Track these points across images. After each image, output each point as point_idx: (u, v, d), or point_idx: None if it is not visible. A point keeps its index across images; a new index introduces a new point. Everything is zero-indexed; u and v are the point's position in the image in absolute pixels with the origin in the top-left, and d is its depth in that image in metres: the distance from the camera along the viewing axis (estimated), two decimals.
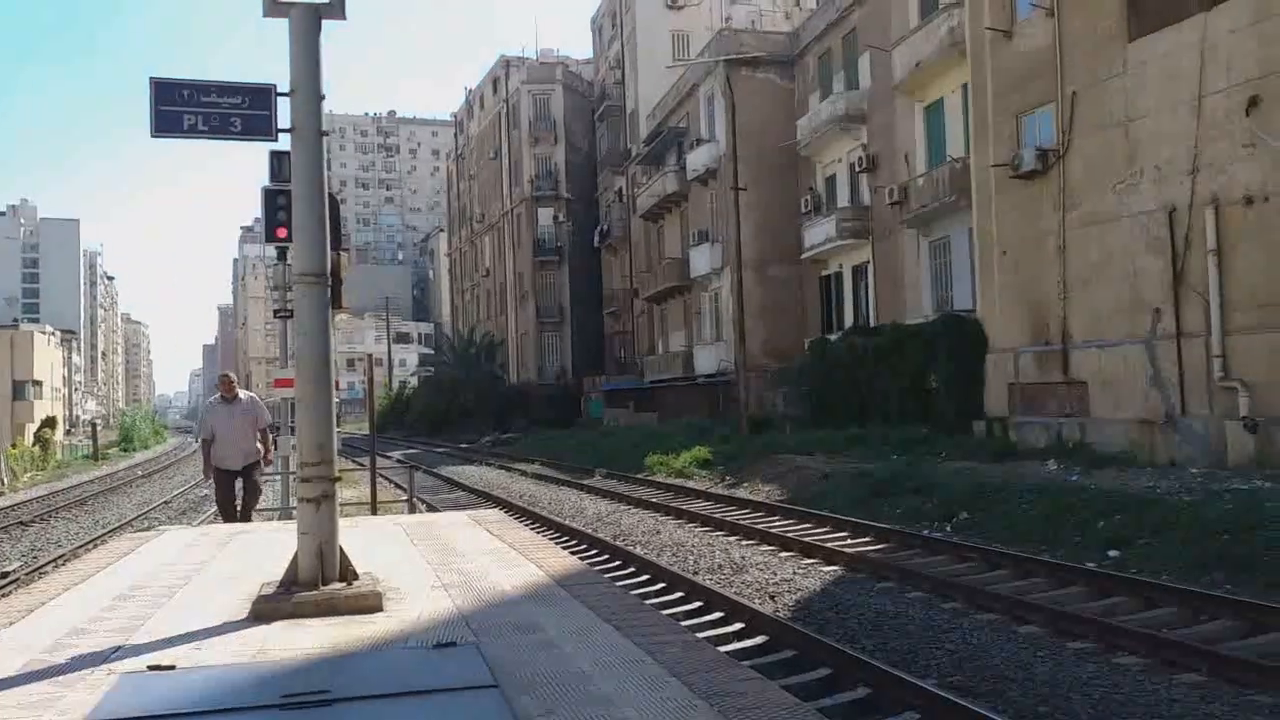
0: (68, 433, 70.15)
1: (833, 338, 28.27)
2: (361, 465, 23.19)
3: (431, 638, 4.91)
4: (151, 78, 5.90)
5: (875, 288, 28.08)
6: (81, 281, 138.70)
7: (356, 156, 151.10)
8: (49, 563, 13.51)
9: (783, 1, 46.52)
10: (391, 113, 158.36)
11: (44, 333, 71.94)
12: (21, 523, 19.27)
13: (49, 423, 55.86)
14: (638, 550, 11.86)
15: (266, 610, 5.46)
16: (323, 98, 5.84)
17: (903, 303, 25.97)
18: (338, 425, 6.12)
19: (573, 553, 10.88)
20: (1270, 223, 13.93)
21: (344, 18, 5.83)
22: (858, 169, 28.67)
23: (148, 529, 12.62)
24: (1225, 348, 14.43)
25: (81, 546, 14.87)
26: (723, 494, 17.89)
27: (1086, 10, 17.05)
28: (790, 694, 4.09)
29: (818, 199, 31.07)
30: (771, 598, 9.19)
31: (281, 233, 10.52)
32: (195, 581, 6.76)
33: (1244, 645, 6.82)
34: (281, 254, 12.31)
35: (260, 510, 10.08)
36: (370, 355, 18.96)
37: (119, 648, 4.84)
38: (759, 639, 7.45)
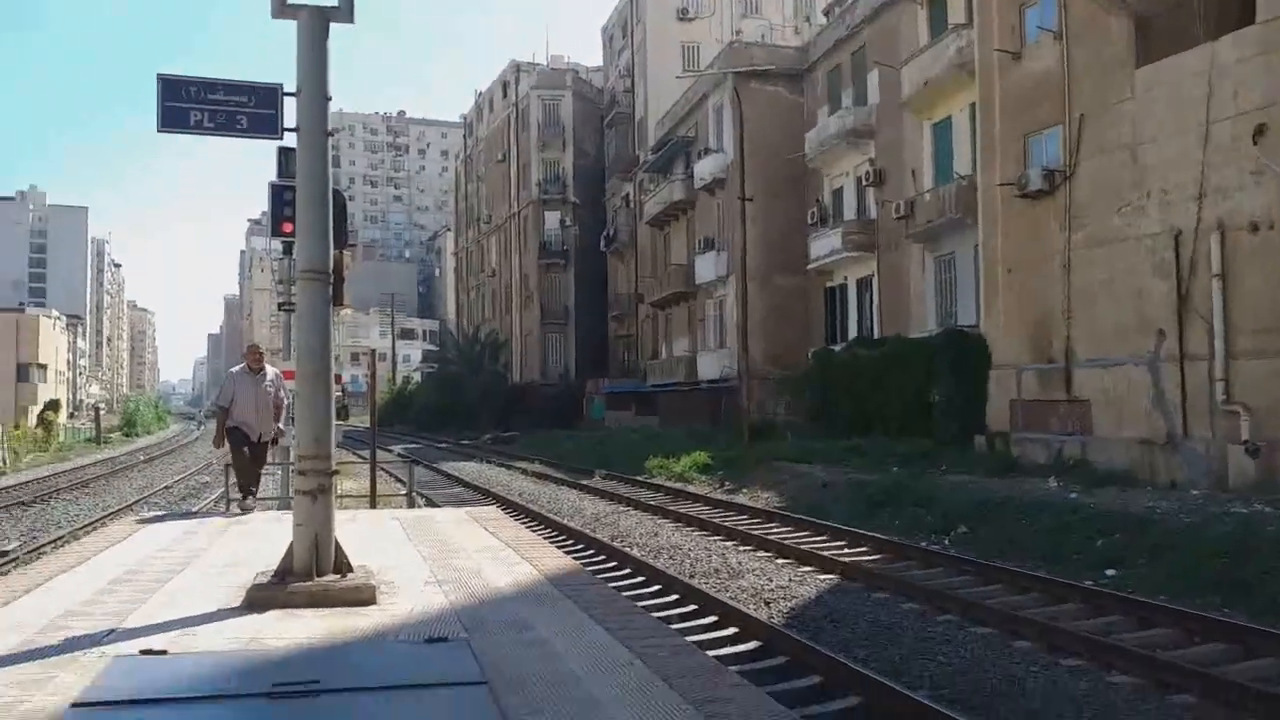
0: (71, 416, 70.32)
1: (836, 349, 28.29)
2: (362, 458, 23.20)
3: (423, 633, 4.93)
4: (159, 74, 5.95)
5: (880, 301, 28.10)
6: (89, 268, 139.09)
7: (366, 155, 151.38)
8: (48, 544, 13.56)
9: (793, 16, 46.79)
10: (401, 113, 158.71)
11: (50, 317, 72.20)
12: (22, 503, 19.33)
13: (52, 406, 56.04)
14: (635, 552, 11.86)
15: (260, 599, 5.48)
16: (329, 99, 5.87)
17: (907, 316, 25.98)
18: (341, 419, 6.16)
19: (569, 553, 10.88)
20: (1275, 249, 13.91)
21: (352, 21, 5.87)
22: (865, 183, 28.71)
23: (147, 514, 12.65)
24: (1228, 371, 14.41)
25: (81, 528, 14.92)
26: (722, 499, 17.89)
27: (1095, 35, 17.10)
28: (778, 702, 4.09)
29: (824, 211, 31.10)
30: (766, 604, 9.19)
31: (288, 228, 10.50)
32: (191, 568, 6.78)
33: (1237, 669, 6.81)
34: (288, 248, 12.30)
35: (261, 499, 10.05)
36: (374, 350, 18.97)
37: (112, 631, 4.87)
38: (751, 644, 7.46)
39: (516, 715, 3.61)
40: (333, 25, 5.83)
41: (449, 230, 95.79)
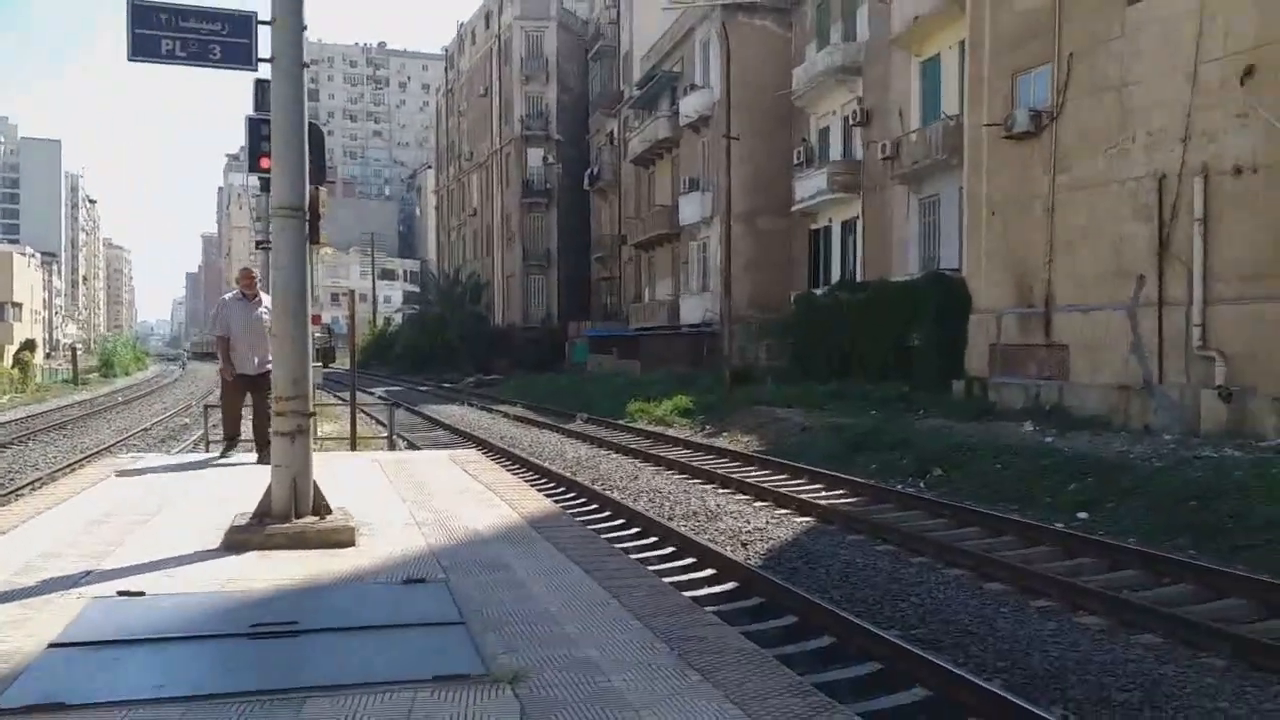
0: (47, 356, 69.65)
1: (819, 292, 28.26)
2: (343, 400, 23.17)
3: (401, 574, 4.96)
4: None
5: (864, 243, 28.00)
6: (63, 204, 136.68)
7: (345, 88, 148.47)
8: (25, 485, 13.50)
9: None
10: (382, 44, 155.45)
11: (23, 254, 71.01)
12: None
13: (28, 345, 55.36)
14: (614, 495, 11.96)
15: (238, 541, 5.49)
16: (305, 28, 5.72)
17: (890, 260, 25.94)
18: (326, 362, 6.09)
19: (549, 495, 10.95)
20: (1258, 194, 13.93)
21: None
22: (852, 122, 28.39)
23: (125, 455, 12.60)
24: (1205, 317, 14.53)
25: (58, 470, 14.85)
26: (702, 443, 18.02)
27: None
28: (750, 640, 4.16)
29: (810, 151, 30.81)
30: (743, 545, 9.31)
31: (265, 163, 10.21)
32: (169, 510, 6.78)
33: (1203, 609, 6.98)
34: (265, 185, 11.95)
35: (243, 441, 9.82)
36: (354, 291, 18.83)
37: (89, 572, 4.87)
38: (729, 585, 7.56)
39: (493, 654, 3.65)
40: None
41: (430, 168, 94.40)
